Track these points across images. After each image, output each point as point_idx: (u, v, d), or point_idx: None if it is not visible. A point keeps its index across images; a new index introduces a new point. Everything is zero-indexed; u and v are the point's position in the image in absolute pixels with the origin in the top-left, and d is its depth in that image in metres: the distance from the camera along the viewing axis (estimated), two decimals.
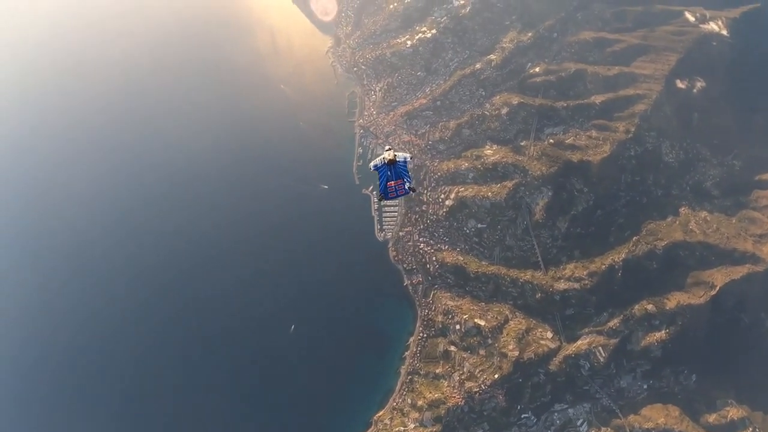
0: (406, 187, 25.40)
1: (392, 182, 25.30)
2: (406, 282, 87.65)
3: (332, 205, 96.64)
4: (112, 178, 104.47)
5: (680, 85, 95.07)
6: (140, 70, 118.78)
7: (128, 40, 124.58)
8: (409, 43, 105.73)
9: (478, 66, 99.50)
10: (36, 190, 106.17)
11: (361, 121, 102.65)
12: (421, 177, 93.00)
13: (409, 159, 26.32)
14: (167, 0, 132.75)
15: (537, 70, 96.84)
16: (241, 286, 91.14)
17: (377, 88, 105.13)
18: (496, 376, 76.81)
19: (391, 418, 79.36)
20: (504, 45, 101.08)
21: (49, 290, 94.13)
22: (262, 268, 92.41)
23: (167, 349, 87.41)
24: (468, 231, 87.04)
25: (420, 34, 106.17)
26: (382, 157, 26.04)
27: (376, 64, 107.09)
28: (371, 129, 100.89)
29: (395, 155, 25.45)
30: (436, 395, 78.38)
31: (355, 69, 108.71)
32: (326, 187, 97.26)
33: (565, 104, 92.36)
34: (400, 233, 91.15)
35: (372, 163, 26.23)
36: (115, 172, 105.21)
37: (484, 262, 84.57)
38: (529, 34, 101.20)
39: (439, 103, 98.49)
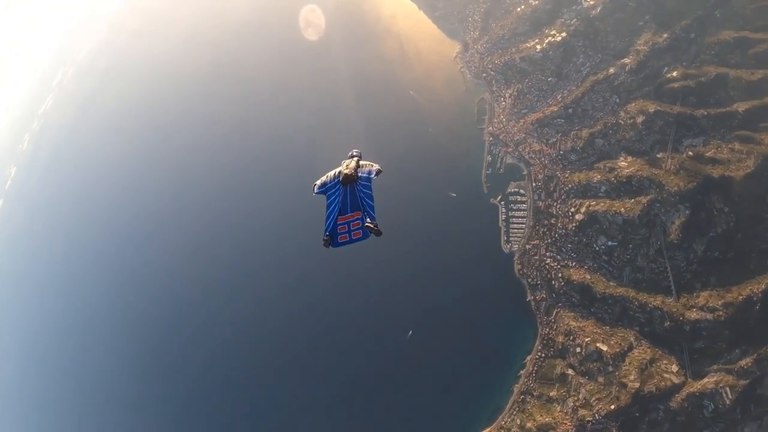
0: (364, 226, 17.60)
1: (345, 216, 17.96)
2: (529, 297, 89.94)
3: (459, 213, 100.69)
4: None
5: None
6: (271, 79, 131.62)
7: (259, 52, 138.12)
8: (538, 47, 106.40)
9: (611, 71, 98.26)
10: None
11: (490, 128, 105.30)
12: (552, 188, 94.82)
13: (375, 173, 18.52)
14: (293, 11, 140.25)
15: (674, 74, 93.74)
16: (359, 289, 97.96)
17: (507, 95, 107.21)
18: (612, 406, 77.09)
19: None
20: (638, 47, 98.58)
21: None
22: (383, 272, 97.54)
23: (286, 349, 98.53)
24: (597, 248, 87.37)
25: (549, 38, 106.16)
26: (335, 171, 18.85)
27: (506, 70, 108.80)
28: (501, 137, 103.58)
29: (357, 168, 18.39)
30: (546, 419, 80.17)
31: (484, 75, 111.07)
32: (455, 195, 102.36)
33: (706, 112, 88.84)
34: (527, 246, 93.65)
35: (318, 182, 19.02)
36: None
37: (612, 283, 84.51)
38: (665, 35, 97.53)
39: (570, 110, 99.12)
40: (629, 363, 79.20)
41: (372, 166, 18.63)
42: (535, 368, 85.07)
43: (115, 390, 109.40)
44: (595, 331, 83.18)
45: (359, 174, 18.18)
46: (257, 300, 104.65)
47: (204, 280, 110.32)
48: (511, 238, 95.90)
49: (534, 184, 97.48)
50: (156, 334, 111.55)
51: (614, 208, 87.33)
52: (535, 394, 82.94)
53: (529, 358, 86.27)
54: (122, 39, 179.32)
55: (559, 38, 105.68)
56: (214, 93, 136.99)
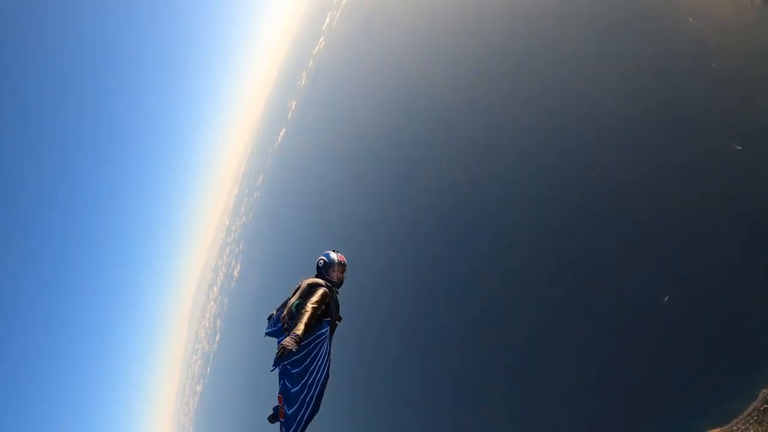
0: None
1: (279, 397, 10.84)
2: None
3: (741, 172, 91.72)
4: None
5: None
6: None
7: None
8: None
9: None
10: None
11: None
12: None
13: (273, 360, 10.30)
14: None
15: None
16: (631, 245, 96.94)
17: None
18: None
19: None
20: None
21: None
22: (650, 230, 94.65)
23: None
24: None
25: None
26: (282, 306, 12.10)
27: None
28: None
29: (298, 301, 11.09)
30: None
31: None
32: (739, 148, 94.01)
33: None
34: None
35: (273, 315, 12.18)
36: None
37: None
38: None
39: None
40: None
41: (298, 323, 10.21)
42: None
43: None
44: None
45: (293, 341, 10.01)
46: None
47: None
48: None
49: None
50: None
51: None
52: None
53: None
54: None
55: None
56: None
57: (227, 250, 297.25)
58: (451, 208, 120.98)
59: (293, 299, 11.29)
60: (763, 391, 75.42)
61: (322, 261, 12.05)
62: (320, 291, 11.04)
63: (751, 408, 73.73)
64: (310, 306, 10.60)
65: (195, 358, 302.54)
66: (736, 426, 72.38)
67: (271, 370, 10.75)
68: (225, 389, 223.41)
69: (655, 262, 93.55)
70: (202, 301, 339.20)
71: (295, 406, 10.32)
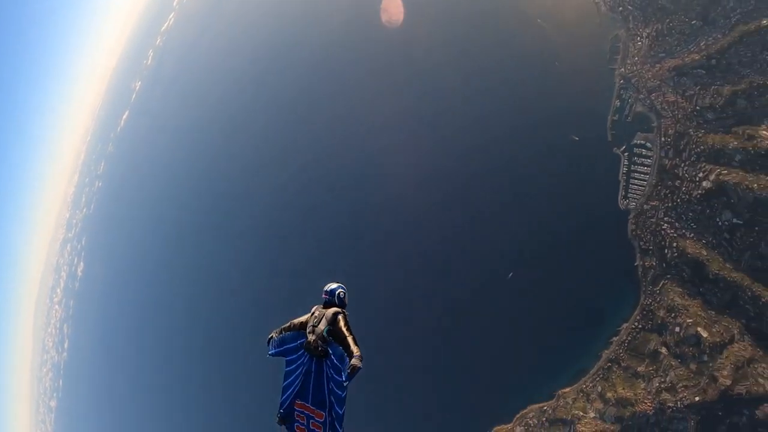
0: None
1: (305, 405, 13.48)
2: (638, 262, 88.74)
3: (579, 158, 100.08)
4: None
5: None
6: None
7: None
8: None
9: (764, 22, 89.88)
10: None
11: (622, 69, 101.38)
12: (681, 147, 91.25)
13: (348, 371, 12.70)
14: None
15: None
16: (463, 226, 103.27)
17: (644, 34, 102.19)
18: (697, 398, 75.89)
19: (575, 399, 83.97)
20: None
21: None
22: (491, 209, 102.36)
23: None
24: (720, 223, 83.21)
25: None
26: (302, 320, 14.31)
27: (645, 6, 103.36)
28: (633, 80, 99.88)
29: (327, 335, 13.43)
30: (627, 394, 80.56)
31: (620, 9, 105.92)
32: (577, 138, 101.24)
33: None
34: (645, 206, 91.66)
35: (275, 335, 14.48)
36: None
37: (728, 265, 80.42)
38: None
39: (714, 61, 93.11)
40: (726, 357, 76.72)
41: (351, 346, 12.97)
42: (629, 338, 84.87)
43: None
44: (699, 313, 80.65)
45: (330, 350, 13.33)
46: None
47: None
48: (629, 195, 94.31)
49: (663, 138, 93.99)
50: None
51: (747, 182, 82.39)
52: (622, 364, 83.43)
53: (624, 326, 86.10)
54: None
55: None
56: None
57: (68, 247, 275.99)
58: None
59: (321, 326, 13.48)
60: (605, 351, 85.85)
61: (343, 293, 14.71)
62: (344, 317, 13.96)
63: (596, 368, 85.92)
64: (347, 330, 13.46)
65: (45, 370, 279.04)
66: (585, 384, 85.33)
67: (346, 385, 13.02)
68: (81, 400, 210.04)
69: (500, 243, 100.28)
70: (45, 305, 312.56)
71: (344, 407, 13.05)
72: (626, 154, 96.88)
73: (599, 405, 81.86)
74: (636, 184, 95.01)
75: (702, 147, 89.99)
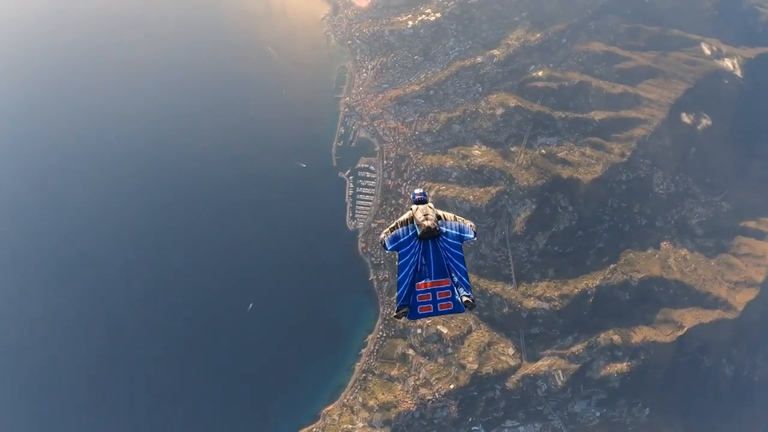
0: (460, 301, 14.01)
1: (427, 283, 14.26)
2: (372, 277, 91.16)
3: (306, 185, 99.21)
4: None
5: (686, 119, 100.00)
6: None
7: None
8: (410, 23, 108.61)
9: (479, 59, 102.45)
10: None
11: (347, 98, 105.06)
12: (403, 168, 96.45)
13: (472, 234, 14.74)
14: None
15: (540, 74, 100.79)
16: (198, 259, 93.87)
17: (369, 66, 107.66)
18: (451, 386, 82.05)
19: (340, 414, 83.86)
20: (509, 42, 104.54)
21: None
22: (222, 241, 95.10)
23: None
24: None
25: (423, 16, 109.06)
26: (406, 218, 14.98)
27: (372, 41, 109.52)
28: (357, 109, 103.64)
29: (438, 220, 14.50)
30: (388, 397, 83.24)
31: (349, 42, 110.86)
32: (304, 165, 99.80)
33: (564, 115, 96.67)
34: (372, 225, 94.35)
35: (386, 236, 14.83)
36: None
37: None
38: (538, 35, 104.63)
39: (432, 92, 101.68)
40: (468, 345, 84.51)
41: (464, 221, 15.00)
42: (377, 347, 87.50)
43: None
44: None
45: (443, 229, 14.53)
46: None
47: None
48: (356, 215, 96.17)
49: (385, 161, 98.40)
50: None
51: (463, 195, 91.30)
52: (376, 372, 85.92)
53: (370, 337, 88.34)
54: None
55: (433, 18, 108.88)
56: None
57: None
58: None
59: (431, 214, 14.19)
60: (358, 363, 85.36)
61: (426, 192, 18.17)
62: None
63: (352, 380, 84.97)
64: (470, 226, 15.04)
65: None
66: (345, 398, 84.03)
67: (474, 240, 15.30)
68: None
69: (236, 277, 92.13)
70: None
71: (461, 275, 14.30)
72: (351, 177, 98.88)
73: (365, 414, 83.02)
74: (362, 205, 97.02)
75: (422, 167, 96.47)
